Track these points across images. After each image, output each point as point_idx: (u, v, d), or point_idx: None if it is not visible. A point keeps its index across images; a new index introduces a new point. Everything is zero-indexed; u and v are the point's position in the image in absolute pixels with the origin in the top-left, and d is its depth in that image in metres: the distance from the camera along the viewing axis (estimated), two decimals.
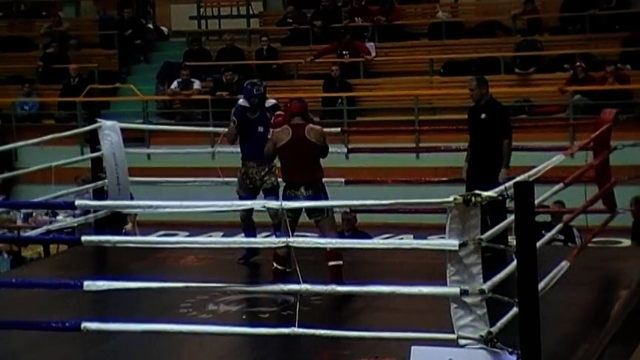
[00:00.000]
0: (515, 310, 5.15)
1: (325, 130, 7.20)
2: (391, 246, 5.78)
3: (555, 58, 14.89)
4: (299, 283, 5.44)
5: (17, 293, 6.80)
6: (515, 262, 5.15)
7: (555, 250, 7.50)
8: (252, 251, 7.67)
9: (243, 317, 6.57)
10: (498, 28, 15.89)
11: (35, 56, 17.52)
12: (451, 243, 4.97)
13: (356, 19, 16.31)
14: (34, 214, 12.16)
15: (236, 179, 7.90)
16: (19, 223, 12.19)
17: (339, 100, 14.89)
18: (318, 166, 7.02)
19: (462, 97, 14.62)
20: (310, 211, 6.72)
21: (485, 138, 7.54)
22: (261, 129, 7.55)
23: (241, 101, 7.68)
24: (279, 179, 7.50)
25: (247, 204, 6.17)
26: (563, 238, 9.43)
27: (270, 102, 7.66)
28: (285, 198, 6.80)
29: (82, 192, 9.43)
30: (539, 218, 8.45)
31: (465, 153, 7.93)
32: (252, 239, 6.92)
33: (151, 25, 18.28)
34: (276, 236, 7.04)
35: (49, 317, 5.93)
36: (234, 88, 15.22)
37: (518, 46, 15.08)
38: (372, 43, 15.85)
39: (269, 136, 7.20)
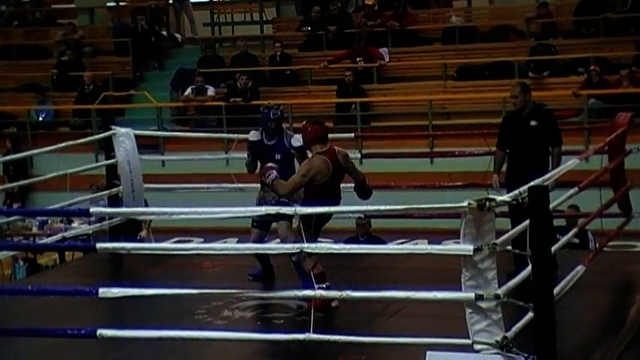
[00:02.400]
0: (530, 314, 5.14)
1: (338, 135, 7.14)
2: (405, 251, 5.78)
3: (570, 62, 14.85)
4: (313, 288, 5.44)
5: (33, 300, 6.83)
6: (530, 267, 5.14)
7: (571, 254, 7.46)
8: (266, 271, 7.48)
9: (258, 323, 6.57)
10: (512, 32, 15.86)
11: (50, 64, 17.60)
12: (466, 248, 4.97)
13: (368, 24, 16.30)
14: (49, 222, 12.21)
15: (251, 185, 7.88)
16: (35, 230, 12.25)
17: (353, 106, 14.88)
18: None
19: (476, 101, 14.65)
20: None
21: (535, 146, 7.19)
22: (278, 156, 7.13)
23: (251, 135, 7.30)
24: None
25: (261, 210, 6.16)
26: (578, 241, 9.39)
27: (298, 140, 7.10)
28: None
29: (97, 199, 9.46)
30: (554, 223, 8.41)
31: (492, 163, 7.51)
32: (266, 245, 6.90)
33: (164, 32, 18.33)
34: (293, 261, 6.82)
35: (64, 324, 5.95)
36: (248, 94, 15.26)
37: (532, 50, 15.05)
38: (386, 49, 15.85)
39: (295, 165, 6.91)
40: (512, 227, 5.85)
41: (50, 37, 18.51)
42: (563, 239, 6.25)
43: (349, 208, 6.28)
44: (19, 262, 11.68)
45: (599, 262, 6.77)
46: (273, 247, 6.42)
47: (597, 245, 7.57)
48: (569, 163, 6.45)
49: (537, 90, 14.65)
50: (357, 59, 15.67)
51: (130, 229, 9.12)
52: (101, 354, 5.94)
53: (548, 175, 5.86)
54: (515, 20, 15.98)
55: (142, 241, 10.53)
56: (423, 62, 15.69)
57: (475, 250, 4.93)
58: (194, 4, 18.76)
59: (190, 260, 7.89)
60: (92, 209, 6.43)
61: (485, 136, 9.75)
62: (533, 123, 7.24)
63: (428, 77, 15.43)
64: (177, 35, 18.47)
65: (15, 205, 14.62)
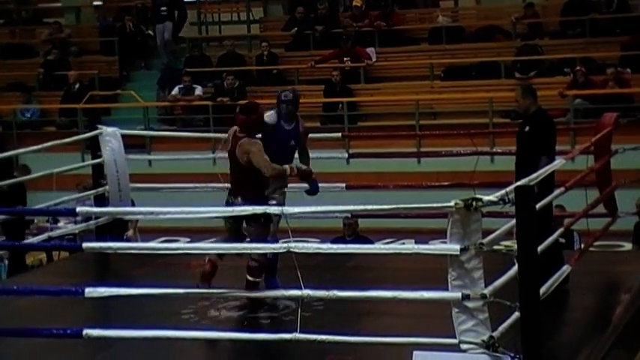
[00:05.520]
0: (516, 314, 5.15)
1: (326, 135, 7.08)
2: (393, 251, 5.79)
3: (556, 62, 14.90)
4: (300, 288, 5.45)
5: (19, 300, 6.81)
6: (516, 267, 5.15)
7: None
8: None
9: (245, 323, 6.56)
10: (499, 33, 15.90)
11: (36, 63, 17.55)
12: (452, 248, 4.98)
13: (354, 25, 16.29)
14: (35, 221, 12.16)
15: None
16: None
17: (340, 106, 14.89)
18: (246, 188, 6.51)
19: (463, 101, 14.68)
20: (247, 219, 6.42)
21: (526, 152, 6.88)
22: (293, 142, 6.98)
23: (266, 116, 6.95)
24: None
25: (248, 209, 6.14)
26: (564, 242, 9.42)
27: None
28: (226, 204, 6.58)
29: (84, 199, 9.43)
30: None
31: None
32: (251, 245, 6.88)
33: (151, 32, 18.28)
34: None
35: (51, 324, 5.93)
36: (235, 93, 15.25)
37: (519, 51, 15.09)
38: (373, 48, 15.87)
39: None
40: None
41: (36, 36, 18.46)
42: (549, 239, 6.26)
43: (336, 207, 6.27)
44: (4, 262, 11.62)
45: (585, 262, 6.79)
46: (260, 246, 6.41)
47: (583, 245, 7.59)
48: (555, 163, 6.46)
49: None
50: (345, 59, 15.68)
51: (116, 228, 9.09)
52: (87, 354, 5.92)
53: (534, 175, 5.85)
54: (502, 20, 16.02)
55: (128, 240, 10.50)
56: (410, 62, 15.71)
57: (462, 250, 4.95)
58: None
59: (177, 260, 7.87)
60: (78, 209, 6.43)
61: (472, 136, 9.80)
62: (526, 128, 7.00)
63: (415, 77, 15.46)
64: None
65: None
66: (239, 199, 6.55)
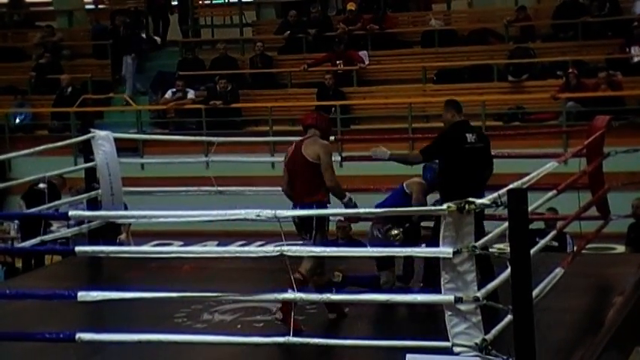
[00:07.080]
0: (509, 317, 5.16)
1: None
2: (386, 254, 5.79)
3: (548, 65, 14.92)
4: (294, 292, 5.44)
5: (11, 304, 6.80)
6: (509, 269, 5.16)
7: (549, 257, 7.49)
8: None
9: (238, 326, 6.56)
10: (491, 36, 15.92)
11: (28, 67, 17.50)
12: (445, 250, 4.98)
13: (346, 27, 16.29)
14: None
15: (230, 188, 7.86)
16: (13, 234, 12.18)
17: (333, 109, 14.89)
18: (315, 189, 6.43)
19: None
20: (299, 228, 6.36)
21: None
22: None
23: None
24: None
25: (241, 213, 6.12)
26: (557, 244, 9.43)
27: None
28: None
29: (76, 202, 9.42)
30: (533, 226, 8.46)
31: None
32: (245, 248, 6.88)
33: (144, 35, 18.26)
34: None
35: (43, 328, 5.92)
36: (228, 97, 15.24)
37: (511, 54, 15.11)
38: (365, 52, 15.87)
39: None
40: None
41: (28, 39, 18.42)
42: (542, 242, 6.28)
43: (329, 210, 6.27)
44: None
45: (578, 264, 6.81)
46: (253, 250, 6.41)
47: (576, 248, 7.60)
48: (548, 166, 6.47)
49: (516, 93, 14.77)
50: (337, 62, 15.69)
51: (109, 232, 9.09)
52: (80, 358, 5.91)
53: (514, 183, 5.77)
54: (494, 24, 16.04)
55: (121, 244, 10.49)
56: (403, 65, 15.72)
57: (454, 253, 4.95)
58: (173, 6, 18.74)
59: (170, 263, 7.87)
60: (71, 212, 6.43)
61: None
62: None
63: (407, 80, 15.46)
64: (157, 38, 18.42)
65: None
66: None
